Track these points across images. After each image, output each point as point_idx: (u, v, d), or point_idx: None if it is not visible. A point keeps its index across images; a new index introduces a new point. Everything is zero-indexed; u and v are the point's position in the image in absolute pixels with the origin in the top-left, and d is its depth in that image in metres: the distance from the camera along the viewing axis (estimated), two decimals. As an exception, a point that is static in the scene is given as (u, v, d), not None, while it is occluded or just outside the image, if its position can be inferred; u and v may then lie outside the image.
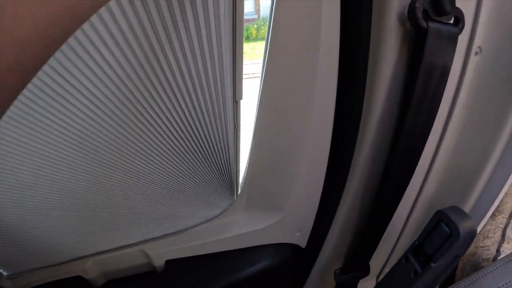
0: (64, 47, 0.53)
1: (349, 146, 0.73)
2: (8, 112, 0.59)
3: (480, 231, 1.07)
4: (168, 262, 0.95)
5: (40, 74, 0.55)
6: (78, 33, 0.52)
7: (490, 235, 1.03)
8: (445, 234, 0.61)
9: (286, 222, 0.88)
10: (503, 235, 1.00)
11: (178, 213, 0.95)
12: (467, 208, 0.89)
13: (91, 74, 0.57)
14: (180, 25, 0.54)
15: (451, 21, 0.57)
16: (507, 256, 0.72)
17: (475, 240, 1.06)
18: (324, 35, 0.58)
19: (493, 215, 1.15)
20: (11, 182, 0.73)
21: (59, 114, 0.60)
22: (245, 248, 0.95)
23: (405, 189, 0.74)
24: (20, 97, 0.57)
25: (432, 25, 0.53)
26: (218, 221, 0.94)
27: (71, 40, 0.52)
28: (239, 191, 0.88)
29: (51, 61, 0.54)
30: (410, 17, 0.53)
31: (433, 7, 0.53)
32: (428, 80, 0.56)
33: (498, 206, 1.18)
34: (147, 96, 0.64)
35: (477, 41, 0.65)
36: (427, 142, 0.68)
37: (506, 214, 1.10)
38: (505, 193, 1.22)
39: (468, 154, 0.80)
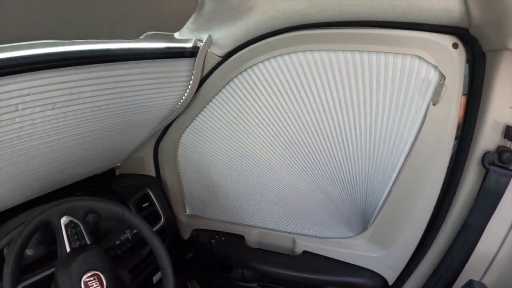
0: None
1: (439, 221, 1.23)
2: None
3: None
4: (305, 252, 1.52)
5: None
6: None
7: None
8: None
9: (387, 258, 1.37)
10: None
11: (327, 223, 1.50)
12: None
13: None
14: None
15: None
16: None
17: None
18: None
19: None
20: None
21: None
22: (354, 264, 1.46)
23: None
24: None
25: (493, 168, 1.05)
26: (347, 240, 1.47)
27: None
28: (369, 226, 1.41)
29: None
30: (481, 162, 1.06)
31: (498, 158, 1.05)
32: (485, 202, 1.07)
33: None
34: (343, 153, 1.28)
35: None
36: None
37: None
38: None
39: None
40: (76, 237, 1.11)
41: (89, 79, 1.02)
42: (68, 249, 1.09)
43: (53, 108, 1.00)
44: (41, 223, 1.07)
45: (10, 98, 0.89)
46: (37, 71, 0.90)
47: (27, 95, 0.92)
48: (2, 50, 0.84)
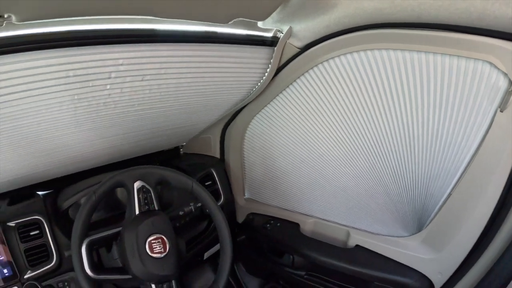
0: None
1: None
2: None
3: None
4: (357, 246, 1.53)
5: None
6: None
7: None
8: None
9: (437, 262, 1.35)
10: None
11: (383, 220, 1.51)
12: None
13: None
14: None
15: None
16: None
17: None
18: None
19: None
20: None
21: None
22: (403, 264, 1.44)
23: None
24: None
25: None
26: (401, 239, 1.47)
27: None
28: (424, 227, 1.40)
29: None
30: None
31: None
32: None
33: None
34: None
35: None
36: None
37: None
38: None
39: None
40: (146, 201, 1.20)
41: (178, 56, 1.09)
42: (137, 212, 1.18)
43: (142, 80, 1.08)
44: (117, 184, 1.17)
45: (104, 66, 0.98)
46: (133, 44, 0.98)
47: (121, 64, 1.00)
48: (103, 21, 0.92)
